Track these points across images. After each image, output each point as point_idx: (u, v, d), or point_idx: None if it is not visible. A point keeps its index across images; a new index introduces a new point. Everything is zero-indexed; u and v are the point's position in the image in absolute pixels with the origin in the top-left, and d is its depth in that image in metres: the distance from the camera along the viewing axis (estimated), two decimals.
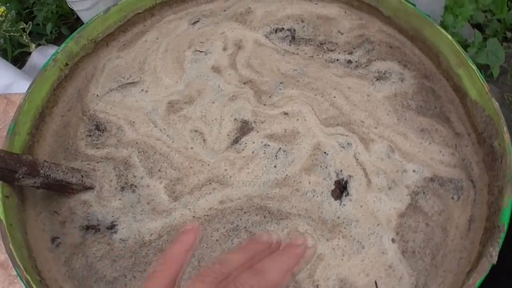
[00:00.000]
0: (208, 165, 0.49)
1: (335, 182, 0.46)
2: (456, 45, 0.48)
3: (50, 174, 0.45)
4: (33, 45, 1.24)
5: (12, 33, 1.20)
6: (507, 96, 0.96)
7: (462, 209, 0.43)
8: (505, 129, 0.40)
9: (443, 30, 0.49)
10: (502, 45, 0.89)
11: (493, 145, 0.42)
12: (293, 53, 0.57)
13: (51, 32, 1.28)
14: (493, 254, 0.34)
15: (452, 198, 0.43)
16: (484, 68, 0.96)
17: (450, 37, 0.48)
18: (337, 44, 0.57)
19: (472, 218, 0.42)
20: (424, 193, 0.44)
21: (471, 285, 0.33)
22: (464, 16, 0.84)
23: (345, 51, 0.56)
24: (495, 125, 0.42)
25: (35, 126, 0.52)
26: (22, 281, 0.39)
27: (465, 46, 0.91)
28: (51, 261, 0.45)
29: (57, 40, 1.32)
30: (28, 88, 0.51)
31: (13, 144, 0.48)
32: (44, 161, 0.45)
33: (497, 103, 0.42)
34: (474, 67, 0.45)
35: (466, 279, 0.34)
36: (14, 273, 0.58)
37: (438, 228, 0.42)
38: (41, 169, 0.45)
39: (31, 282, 0.38)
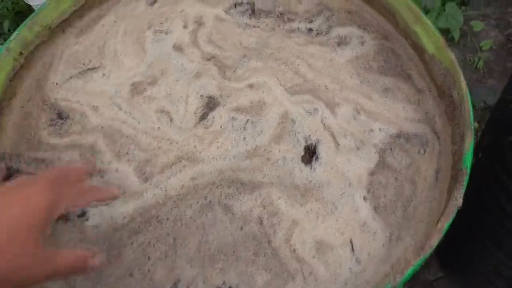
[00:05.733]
0: (177, 143, 0.48)
1: (305, 147, 0.46)
2: (410, 2, 0.48)
3: (12, 166, 0.44)
4: None
5: None
6: (469, 57, 0.99)
7: (429, 162, 0.43)
8: (462, 77, 0.41)
9: None
10: (460, 8, 0.91)
11: (452, 95, 0.43)
12: (254, 26, 0.57)
13: (9, 30, 1.24)
14: (458, 198, 0.35)
15: (419, 152, 0.44)
16: (445, 33, 0.97)
17: None
18: (296, 13, 0.57)
19: (438, 168, 0.43)
20: (391, 149, 0.45)
21: (439, 229, 0.34)
22: None
23: (305, 19, 0.56)
24: (452, 75, 0.43)
25: None
26: None
27: (426, 12, 0.92)
28: None
29: None
30: None
31: None
32: (5, 153, 0.44)
33: (453, 54, 0.43)
34: (429, 22, 0.46)
35: (436, 225, 0.35)
36: None
37: (407, 182, 0.43)
38: (2, 161, 0.43)
39: None
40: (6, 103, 0.53)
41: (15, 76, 0.54)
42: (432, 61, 0.46)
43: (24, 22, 0.55)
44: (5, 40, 1.24)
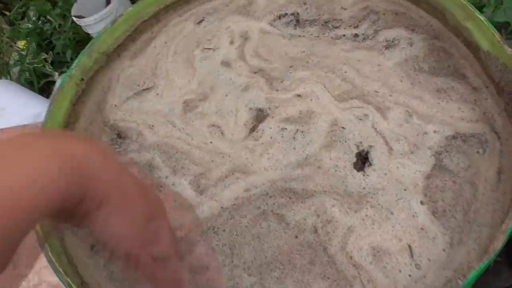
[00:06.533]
0: (229, 156, 0.50)
1: (356, 154, 0.46)
2: None
3: None
4: (56, 74, 1.29)
5: (35, 65, 1.25)
6: None
7: (489, 162, 0.41)
8: None
9: None
10: None
11: None
12: (299, 36, 0.57)
13: (71, 59, 1.32)
14: None
15: (478, 152, 0.42)
16: (504, 27, 0.92)
17: None
18: (341, 20, 0.57)
19: (500, 169, 0.40)
20: (447, 151, 0.43)
21: (504, 230, 0.32)
22: None
23: (350, 25, 0.56)
24: (511, 71, 0.41)
25: None
26: (65, 285, 0.40)
27: (481, 7, 0.88)
28: (92, 266, 0.47)
29: None
30: (49, 106, 0.53)
31: None
32: None
33: (510, 49, 0.41)
34: (482, 17, 0.44)
35: (500, 227, 0.33)
36: None
37: (467, 184, 0.41)
38: None
39: (72, 285, 0.40)
40: (71, 127, 0.56)
41: (78, 101, 0.58)
42: (488, 58, 0.44)
43: (84, 50, 0.59)
44: (68, 68, 1.33)
